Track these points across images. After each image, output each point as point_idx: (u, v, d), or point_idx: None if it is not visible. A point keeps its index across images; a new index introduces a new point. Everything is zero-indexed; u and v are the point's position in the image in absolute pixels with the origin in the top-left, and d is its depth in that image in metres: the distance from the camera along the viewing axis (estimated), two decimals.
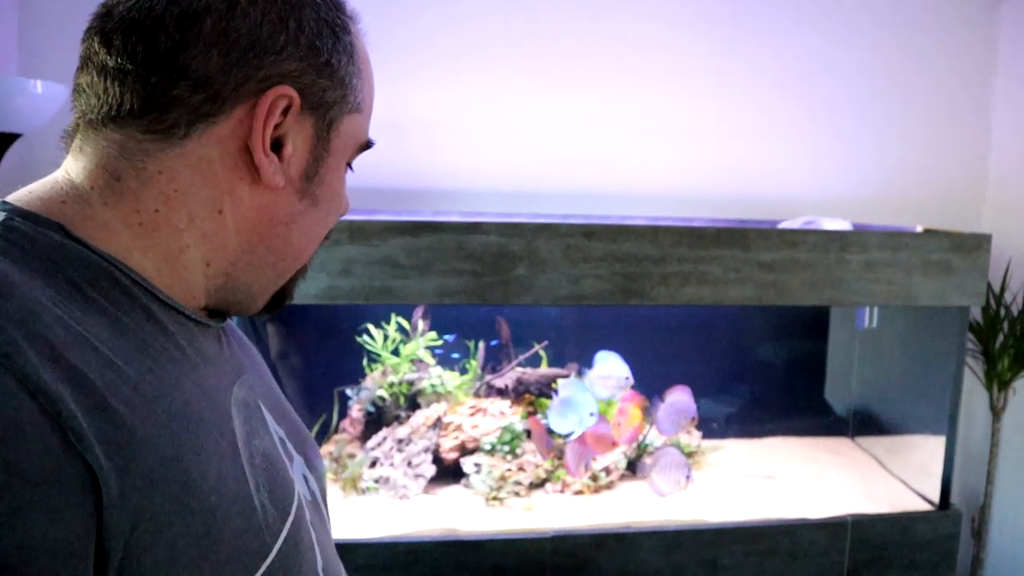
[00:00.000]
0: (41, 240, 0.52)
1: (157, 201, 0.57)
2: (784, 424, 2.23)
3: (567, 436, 1.78)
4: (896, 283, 1.74)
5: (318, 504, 0.72)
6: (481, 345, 1.95)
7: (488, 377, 1.93)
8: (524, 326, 1.99)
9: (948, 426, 1.83)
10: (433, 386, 1.87)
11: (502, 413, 1.87)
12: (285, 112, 0.58)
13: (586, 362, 1.94)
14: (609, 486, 1.87)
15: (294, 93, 0.58)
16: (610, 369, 1.80)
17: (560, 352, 2.02)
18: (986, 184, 2.31)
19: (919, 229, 1.82)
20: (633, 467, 1.94)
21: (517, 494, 1.80)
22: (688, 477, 1.76)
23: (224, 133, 0.57)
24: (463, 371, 1.95)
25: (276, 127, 0.58)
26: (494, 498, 1.77)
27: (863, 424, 2.21)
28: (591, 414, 1.77)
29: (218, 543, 0.52)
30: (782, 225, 1.87)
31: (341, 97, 0.62)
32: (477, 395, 1.93)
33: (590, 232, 1.62)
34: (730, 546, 1.72)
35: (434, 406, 1.86)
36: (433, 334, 1.91)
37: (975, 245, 1.76)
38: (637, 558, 1.68)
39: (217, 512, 0.52)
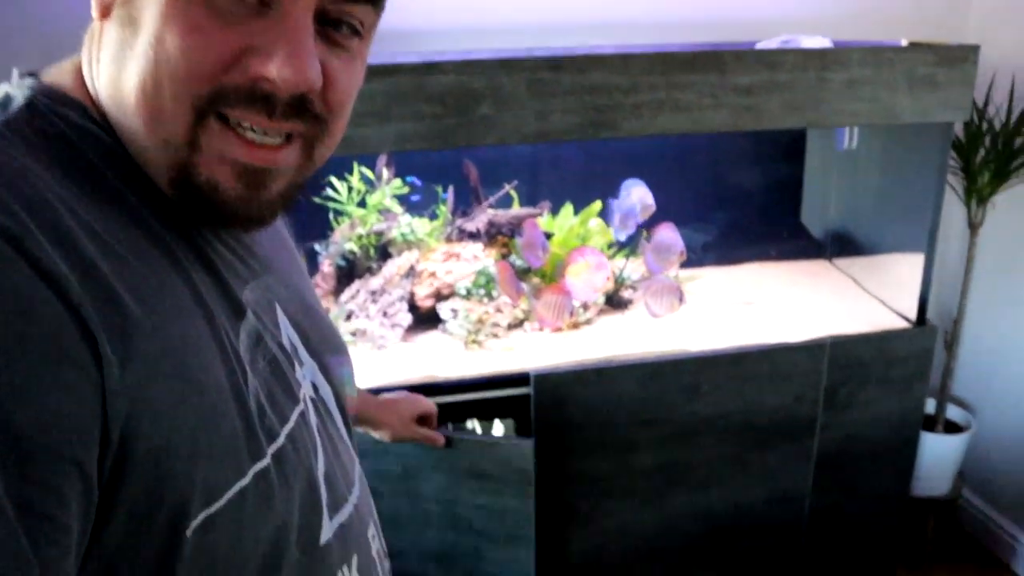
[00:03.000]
0: (60, 121, 0.51)
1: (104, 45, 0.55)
2: (761, 250, 2.21)
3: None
4: (879, 101, 1.67)
5: (330, 412, 0.70)
6: (450, 189, 1.88)
7: (459, 221, 1.88)
8: (493, 167, 1.92)
9: (927, 242, 1.82)
10: (403, 235, 1.83)
11: (476, 257, 1.83)
12: None
13: (560, 201, 1.90)
14: (588, 322, 1.87)
15: None
16: (636, 196, 1.78)
17: (531, 192, 1.96)
18: None
19: (904, 43, 1.73)
20: (612, 301, 1.93)
21: (496, 336, 1.79)
22: (681, 300, 1.77)
23: None
24: (433, 217, 1.89)
25: None
26: (473, 341, 1.77)
27: (841, 246, 2.20)
28: (650, 204, 1.80)
29: (213, 440, 0.51)
30: (759, 46, 1.77)
31: None
32: (449, 240, 1.88)
33: (556, 65, 1.52)
34: (710, 372, 1.74)
35: (406, 255, 1.81)
36: (399, 182, 1.84)
37: (962, 57, 1.67)
38: (619, 390, 1.70)
39: (215, 410, 0.52)
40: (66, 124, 0.52)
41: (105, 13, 0.53)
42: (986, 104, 2.09)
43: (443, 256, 1.83)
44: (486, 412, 1.72)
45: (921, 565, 2.40)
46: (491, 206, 1.88)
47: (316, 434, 0.64)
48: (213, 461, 0.51)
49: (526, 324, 1.84)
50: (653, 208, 1.80)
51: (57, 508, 0.42)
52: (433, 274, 1.81)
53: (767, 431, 1.82)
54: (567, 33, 1.99)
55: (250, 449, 0.54)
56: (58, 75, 0.55)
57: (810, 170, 2.22)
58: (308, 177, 0.61)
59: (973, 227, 2.17)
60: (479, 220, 1.86)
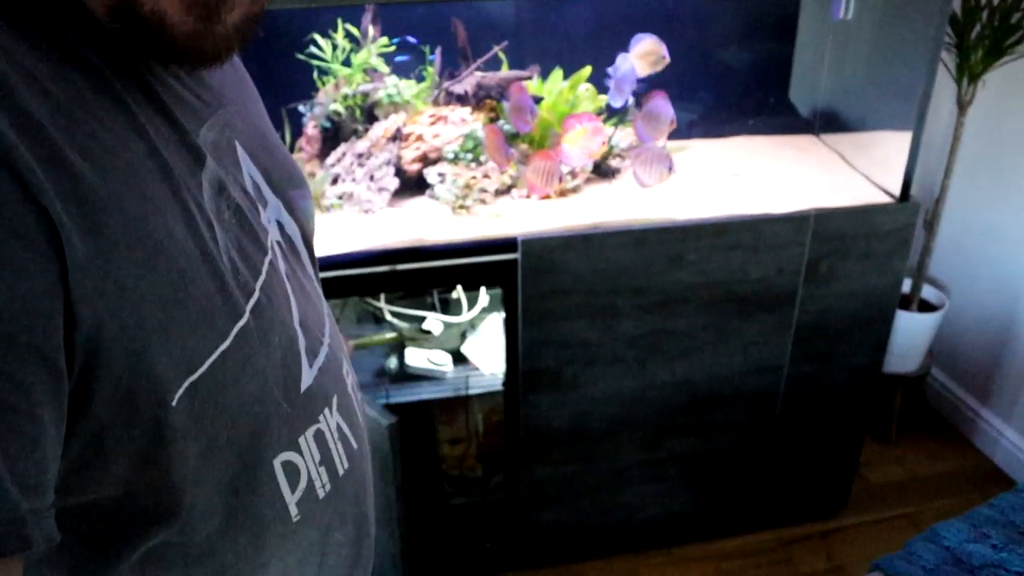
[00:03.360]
0: None
1: None
2: (750, 123, 2.19)
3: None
4: None
5: (296, 251, 0.67)
6: (438, 50, 1.83)
7: (446, 84, 1.83)
8: (481, 28, 1.86)
9: (917, 116, 1.80)
10: (390, 96, 1.78)
11: (463, 120, 1.79)
12: None
13: (549, 65, 1.86)
14: (575, 190, 1.86)
15: None
16: (646, 48, 1.73)
17: (519, 55, 1.91)
18: None
19: None
20: (599, 170, 1.92)
21: (483, 202, 1.78)
22: (670, 169, 1.75)
23: None
24: (420, 79, 1.85)
25: None
26: (461, 207, 1.75)
27: (829, 121, 2.18)
28: (663, 56, 1.76)
29: (187, 307, 0.48)
30: None
31: None
32: (436, 103, 1.84)
33: None
34: (695, 241, 1.74)
35: (392, 117, 1.77)
36: (385, 40, 1.78)
37: None
38: (606, 256, 1.70)
39: (186, 274, 0.48)
40: None
41: None
42: None
43: (430, 119, 1.79)
44: (473, 278, 1.73)
45: (888, 437, 2.49)
46: (479, 68, 1.83)
47: (286, 280, 0.62)
48: (189, 329, 0.49)
49: (513, 191, 1.82)
50: (667, 60, 1.76)
51: (17, 397, 0.40)
52: (420, 137, 1.77)
53: (749, 302, 1.85)
54: None
55: (228, 309, 0.52)
56: None
57: (801, 43, 2.18)
58: (265, 7, 0.55)
59: (962, 106, 2.16)
60: (467, 82, 1.82)
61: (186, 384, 0.49)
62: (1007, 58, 2.08)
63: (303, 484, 0.62)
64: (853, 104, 2.11)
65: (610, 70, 1.79)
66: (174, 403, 0.49)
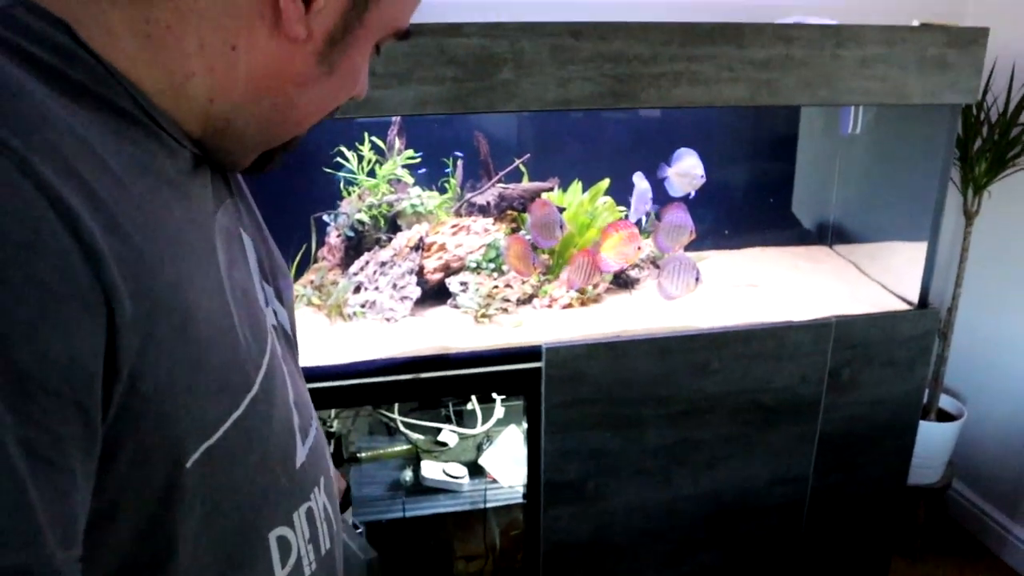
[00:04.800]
0: (46, 38, 0.47)
1: (170, 15, 0.51)
2: (763, 235, 2.22)
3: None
4: (890, 80, 1.68)
5: (288, 336, 0.71)
6: (459, 163, 1.86)
7: (468, 195, 1.86)
8: (503, 141, 1.91)
9: (932, 223, 1.83)
10: (413, 206, 1.80)
11: (486, 230, 1.81)
12: None
13: (566, 177, 1.90)
14: (596, 299, 1.86)
15: None
16: (688, 165, 1.77)
17: (537, 168, 1.95)
18: None
19: (915, 23, 1.75)
20: (618, 280, 1.93)
21: (505, 311, 1.77)
22: (697, 279, 1.76)
23: None
24: (442, 190, 1.87)
25: None
26: (483, 315, 1.74)
27: (841, 232, 2.22)
28: (700, 176, 1.79)
29: (209, 375, 0.51)
30: None
31: None
32: (458, 214, 1.86)
33: (577, 31, 1.52)
34: (719, 350, 1.74)
35: (415, 227, 1.79)
36: (410, 151, 1.82)
37: (971, 39, 1.70)
38: (629, 365, 1.69)
39: (210, 343, 0.52)
40: (53, 41, 0.48)
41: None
42: (985, 92, 2.12)
43: (452, 229, 1.81)
44: (497, 387, 1.70)
45: (913, 553, 2.42)
46: (500, 180, 1.86)
47: (282, 361, 0.65)
48: (210, 394, 0.52)
49: (535, 300, 1.82)
50: (703, 180, 1.79)
51: (56, 452, 0.41)
52: (443, 247, 1.78)
53: (773, 411, 1.82)
54: (590, 8, 1.97)
55: (241, 379, 0.55)
56: None
57: (811, 158, 2.23)
58: None
59: (968, 216, 2.20)
60: (489, 194, 1.84)
61: (202, 448, 0.51)
62: (1010, 170, 2.13)
63: (292, 560, 0.63)
64: (864, 215, 2.15)
65: (635, 178, 1.82)
66: (189, 465, 0.50)
